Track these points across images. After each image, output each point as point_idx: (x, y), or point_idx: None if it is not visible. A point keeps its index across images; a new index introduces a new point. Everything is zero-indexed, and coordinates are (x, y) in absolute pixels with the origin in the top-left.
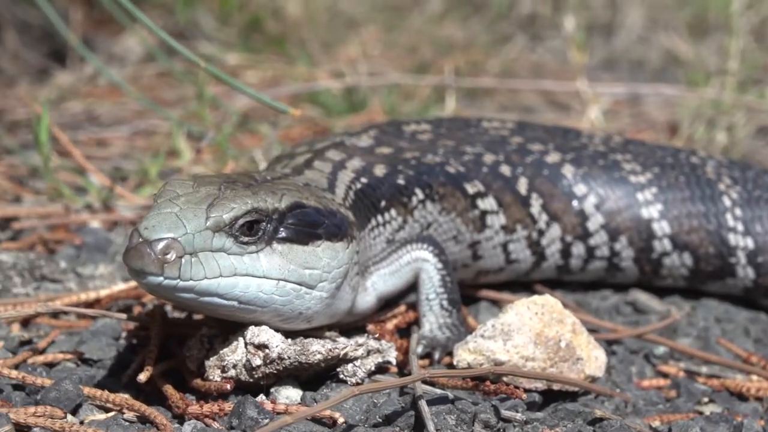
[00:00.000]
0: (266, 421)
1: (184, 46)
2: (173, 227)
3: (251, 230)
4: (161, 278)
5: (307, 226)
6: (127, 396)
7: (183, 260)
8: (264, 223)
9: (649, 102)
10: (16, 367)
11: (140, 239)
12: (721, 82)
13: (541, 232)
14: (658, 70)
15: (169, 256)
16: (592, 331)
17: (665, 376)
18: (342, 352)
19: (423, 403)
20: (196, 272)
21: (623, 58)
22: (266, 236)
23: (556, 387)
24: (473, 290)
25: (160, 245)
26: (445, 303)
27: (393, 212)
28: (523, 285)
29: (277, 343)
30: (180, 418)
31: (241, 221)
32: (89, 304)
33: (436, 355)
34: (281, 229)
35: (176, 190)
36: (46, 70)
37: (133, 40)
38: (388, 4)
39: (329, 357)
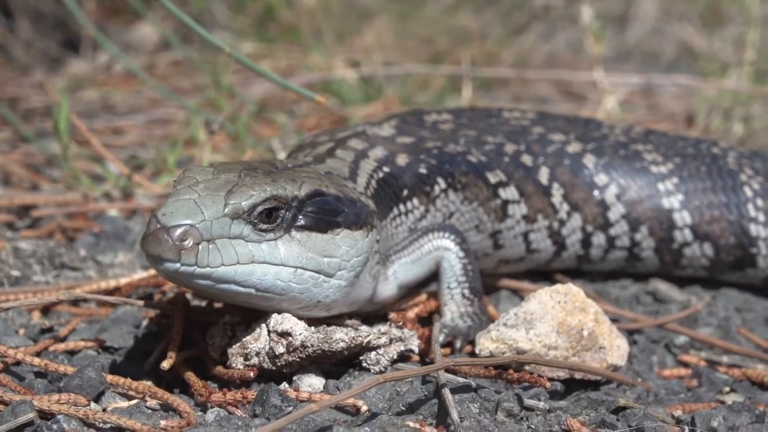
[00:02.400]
0: (290, 408)
1: (198, 36)
2: (191, 213)
3: (270, 218)
4: (178, 264)
5: (327, 214)
6: (149, 384)
7: (200, 247)
8: (283, 211)
9: (664, 93)
10: (38, 354)
11: (158, 225)
12: (738, 73)
13: (562, 222)
14: (671, 61)
15: (186, 243)
16: (613, 320)
17: (686, 365)
18: (365, 341)
19: (447, 392)
20: (213, 259)
21: (636, 49)
22: (285, 224)
23: (578, 376)
24: (494, 279)
25: (178, 231)
26: (466, 292)
27: (415, 201)
28: (543, 274)
29: (300, 330)
30: (203, 406)
31: (259, 208)
32: (109, 292)
33: (458, 344)
34: (300, 216)
35: (196, 176)
36: (59, 59)
37: (147, 28)
38: None
39: (352, 345)
